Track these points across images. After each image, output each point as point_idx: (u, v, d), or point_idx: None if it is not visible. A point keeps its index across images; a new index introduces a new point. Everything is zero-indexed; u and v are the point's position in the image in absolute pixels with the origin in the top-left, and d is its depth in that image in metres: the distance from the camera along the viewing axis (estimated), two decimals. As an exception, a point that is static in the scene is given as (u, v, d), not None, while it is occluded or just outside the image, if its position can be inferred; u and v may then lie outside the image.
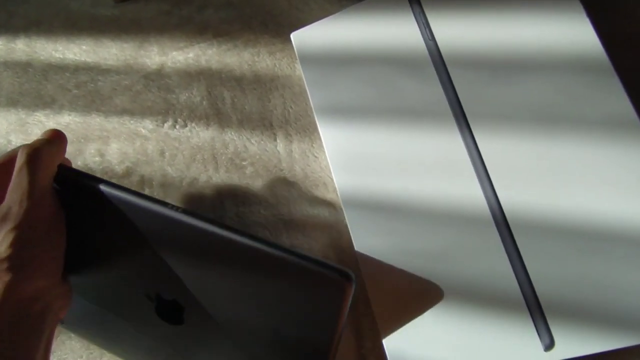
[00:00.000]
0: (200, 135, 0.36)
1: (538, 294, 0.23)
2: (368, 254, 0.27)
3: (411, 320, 0.25)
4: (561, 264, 0.24)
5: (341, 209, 0.32)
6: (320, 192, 0.33)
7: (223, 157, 0.35)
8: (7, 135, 0.41)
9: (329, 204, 0.33)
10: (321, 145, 0.34)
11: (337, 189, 0.29)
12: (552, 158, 0.25)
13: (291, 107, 0.35)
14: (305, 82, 0.32)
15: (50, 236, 0.22)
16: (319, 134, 0.34)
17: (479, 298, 0.25)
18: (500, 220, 0.24)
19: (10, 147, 0.40)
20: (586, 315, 0.23)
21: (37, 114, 0.40)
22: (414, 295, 0.26)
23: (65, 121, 0.39)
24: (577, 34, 0.25)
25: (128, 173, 0.37)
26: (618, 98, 0.24)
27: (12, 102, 0.42)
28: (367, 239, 0.27)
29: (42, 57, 0.42)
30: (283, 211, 0.33)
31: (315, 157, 0.34)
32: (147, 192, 0.36)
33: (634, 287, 0.23)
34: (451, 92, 0.26)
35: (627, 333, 0.22)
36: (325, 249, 0.32)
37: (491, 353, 0.23)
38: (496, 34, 0.27)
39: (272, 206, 0.34)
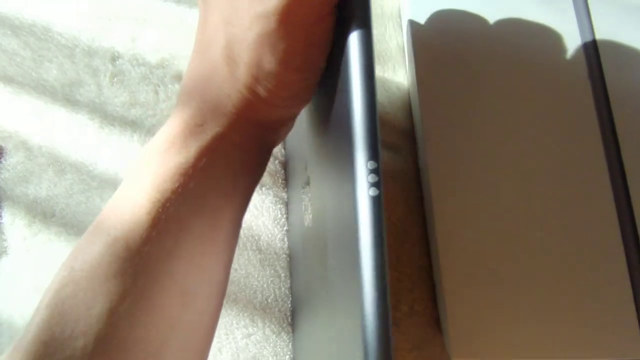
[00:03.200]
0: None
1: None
2: (446, 216, 0.23)
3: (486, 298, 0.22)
4: None
5: (406, 154, 0.28)
6: (386, 133, 0.29)
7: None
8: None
9: (395, 147, 0.28)
10: (393, 77, 0.30)
11: (421, 129, 0.25)
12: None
13: (368, 29, 0.30)
14: (405, 5, 0.27)
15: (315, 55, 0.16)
16: (394, 64, 0.30)
17: (566, 272, 0.21)
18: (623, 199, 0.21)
19: (25, 11, 0.34)
20: None
21: (63, -21, 0.34)
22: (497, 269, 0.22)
23: (96, -7, 0.33)
24: None
25: (162, 65, 0.31)
26: None
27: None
28: (449, 203, 0.23)
29: None
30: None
31: (385, 88, 0.29)
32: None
33: None
34: (587, 28, 0.22)
35: None
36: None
37: (585, 343, 0.20)
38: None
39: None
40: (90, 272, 0.15)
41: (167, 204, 0.15)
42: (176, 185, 0.16)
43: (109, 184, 0.31)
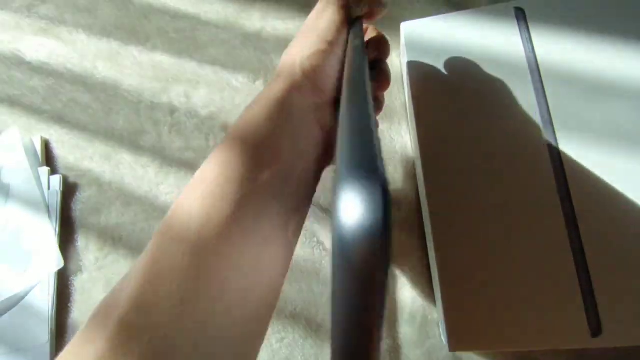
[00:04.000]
0: (286, 98, 0.39)
1: (593, 282, 0.26)
2: (444, 234, 0.29)
3: (476, 285, 0.28)
4: (618, 256, 0.27)
5: (408, 189, 0.35)
6: (389, 172, 0.36)
7: (304, 122, 0.38)
8: (95, 60, 0.43)
9: (400, 183, 0.35)
10: (399, 130, 0.37)
11: (420, 167, 0.31)
12: (630, 178, 0.28)
13: (377, 91, 0.38)
14: (405, 70, 0.35)
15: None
16: (399, 120, 0.37)
17: (533, 275, 0.27)
18: (568, 209, 0.28)
19: (96, 73, 0.42)
20: (639, 306, 0.26)
21: (130, 47, 0.42)
22: (484, 261, 0.28)
23: (157, 59, 0.41)
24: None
25: (211, 117, 0.39)
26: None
27: (105, 32, 0.44)
28: (446, 224, 0.30)
29: (143, -2, 0.44)
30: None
31: (392, 138, 0.37)
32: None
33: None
34: (543, 102, 0.30)
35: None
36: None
37: (540, 330, 0.26)
38: (593, 56, 0.30)
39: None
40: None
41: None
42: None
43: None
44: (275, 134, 0.21)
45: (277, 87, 0.21)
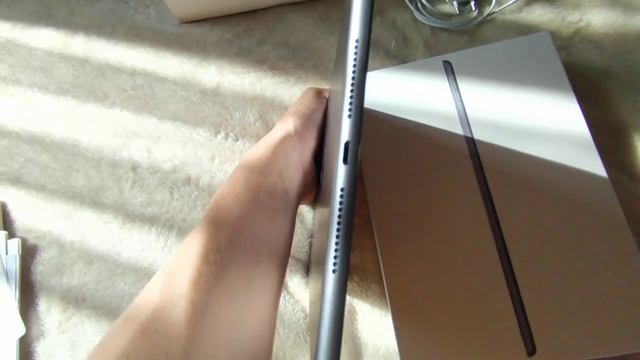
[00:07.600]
0: (246, 149, 0.40)
1: (525, 306, 0.30)
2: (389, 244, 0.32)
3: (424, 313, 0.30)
4: (547, 276, 0.30)
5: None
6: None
7: (264, 171, 0.40)
8: (52, 119, 0.43)
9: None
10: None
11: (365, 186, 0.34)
12: (552, 205, 0.32)
13: (331, 138, 0.41)
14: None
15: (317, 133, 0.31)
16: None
17: (474, 304, 0.30)
18: (500, 242, 0.31)
19: (54, 131, 0.42)
20: (568, 325, 0.29)
21: (88, 105, 0.43)
22: (430, 293, 0.31)
23: (116, 116, 0.42)
24: (569, 117, 0.34)
25: (175, 170, 0.40)
26: (596, 170, 0.32)
27: (62, 90, 0.44)
28: (392, 242, 0.33)
29: (100, 57, 0.45)
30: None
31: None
32: (190, 189, 0.39)
33: (611, 302, 0.29)
34: (471, 142, 0.34)
35: (607, 342, 0.28)
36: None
37: (483, 353, 0.29)
38: (510, 105, 0.35)
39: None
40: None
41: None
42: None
43: (131, 270, 0.37)
44: (273, 161, 0.29)
45: (278, 134, 0.30)
